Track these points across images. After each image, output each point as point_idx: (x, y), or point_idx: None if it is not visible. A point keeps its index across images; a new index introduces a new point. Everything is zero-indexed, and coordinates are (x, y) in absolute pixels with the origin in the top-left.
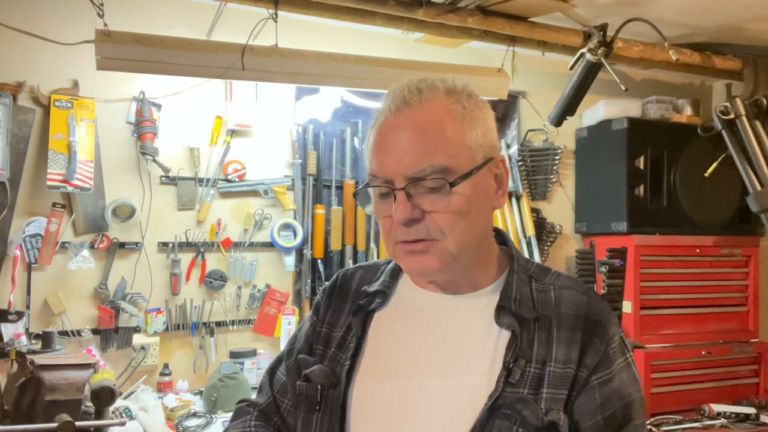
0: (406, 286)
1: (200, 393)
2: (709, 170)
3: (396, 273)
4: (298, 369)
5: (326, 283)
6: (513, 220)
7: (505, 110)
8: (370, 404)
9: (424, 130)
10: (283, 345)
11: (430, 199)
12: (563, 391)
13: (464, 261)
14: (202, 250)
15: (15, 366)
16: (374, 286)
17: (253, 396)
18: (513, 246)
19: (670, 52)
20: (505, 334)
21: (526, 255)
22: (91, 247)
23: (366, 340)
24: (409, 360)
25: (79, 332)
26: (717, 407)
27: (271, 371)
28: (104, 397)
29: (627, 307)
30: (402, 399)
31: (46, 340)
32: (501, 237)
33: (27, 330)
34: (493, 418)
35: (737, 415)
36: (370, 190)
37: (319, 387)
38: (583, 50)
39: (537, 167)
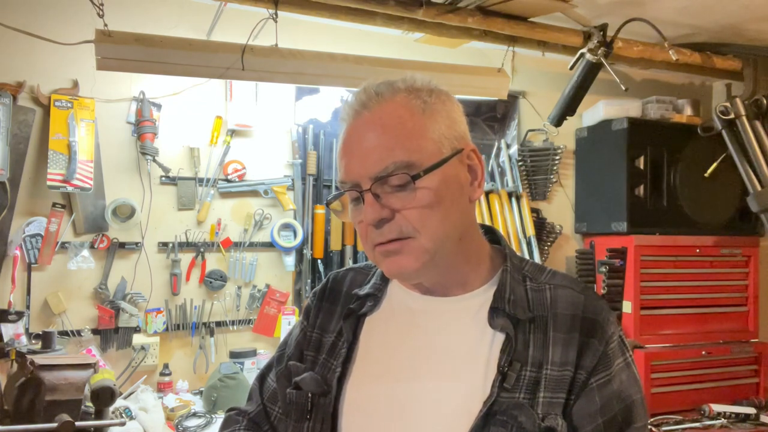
0: (397, 289)
1: (200, 393)
2: (709, 170)
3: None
4: (288, 376)
5: (316, 286)
6: (513, 220)
7: (505, 110)
8: (362, 412)
9: (384, 129)
10: (277, 347)
11: (397, 196)
12: (561, 394)
13: (446, 257)
14: (202, 250)
15: (15, 366)
16: (365, 289)
17: None
18: (506, 245)
19: (670, 52)
20: (500, 337)
21: (526, 255)
22: (91, 247)
23: (357, 345)
24: (401, 366)
25: (79, 332)
26: (717, 407)
27: (261, 378)
28: (104, 397)
29: (627, 307)
30: (394, 406)
31: (46, 340)
32: (493, 235)
33: (27, 330)
34: (488, 425)
35: (737, 415)
36: (346, 198)
37: (309, 395)
38: (583, 50)
39: (537, 167)
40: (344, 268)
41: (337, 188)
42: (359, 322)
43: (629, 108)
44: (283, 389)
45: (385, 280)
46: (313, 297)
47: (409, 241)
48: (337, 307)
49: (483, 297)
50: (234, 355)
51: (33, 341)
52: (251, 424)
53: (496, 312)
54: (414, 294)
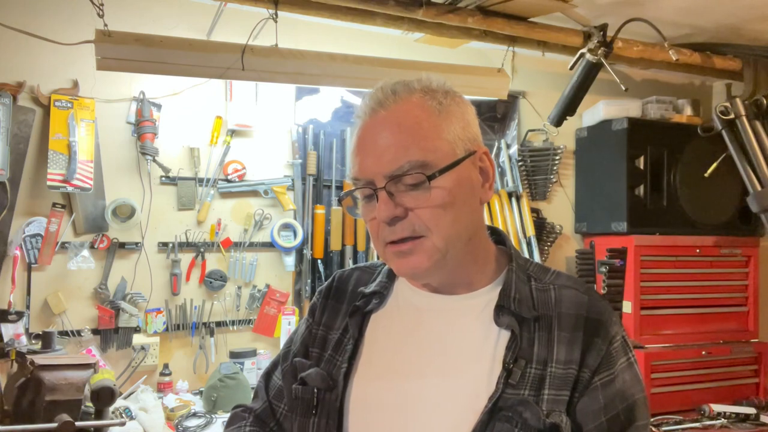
0: (403, 287)
1: (200, 393)
2: (709, 170)
3: (392, 273)
4: (294, 372)
5: (322, 284)
6: (513, 220)
7: (505, 110)
8: (368, 407)
9: (400, 128)
10: (282, 345)
11: (411, 195)
12: (565, 392)
13: (455, 257)
14: (202, 250)
15: (15, 366)
16: (371, 287)
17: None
18: (511, 245)
19: (670, 52)
20: (505, 335)
21: (526, 255)
22: (91, 247)
23: (363, 342)
24: (407, 362)
25: (79, 332)
26: (717, 407)
27: (267, 375)
28: (104, 397)
29: (627, 307)
30: (400, 402)
31: (46, 340)
32: (499, 236)
33: (27, 330)
34: (493, 420)
35: (737, 415)
36: (356, 195)
37: (315, 390)
38: (583, 50)
39: (537, 167)
40: (350, 267)
41: (338, 188)
42: (365, 320)
43: (629, 108)
44: (289, 385)
45: (391, 278)
46: (319, 295)
47: (421, 240)
48: (342, 304)
49: (488, 296)
50: (234, 355)
51: (33, 341)
52: (257, 421)
53: (501, 310)
54: (420, 292)
